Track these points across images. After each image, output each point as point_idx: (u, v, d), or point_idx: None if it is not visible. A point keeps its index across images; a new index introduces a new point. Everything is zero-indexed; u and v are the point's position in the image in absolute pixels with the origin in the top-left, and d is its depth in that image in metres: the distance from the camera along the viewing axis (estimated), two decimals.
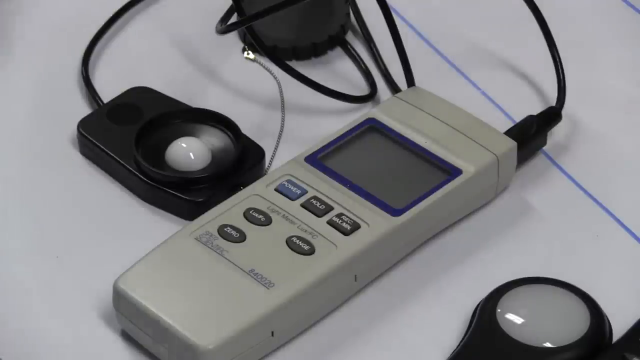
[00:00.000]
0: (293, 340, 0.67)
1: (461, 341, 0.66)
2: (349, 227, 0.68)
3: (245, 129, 0.75)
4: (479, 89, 0.79)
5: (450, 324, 0.67)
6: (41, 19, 0.83)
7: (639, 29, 0.83)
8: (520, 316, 0.66)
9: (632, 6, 0.84)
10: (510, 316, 0.66)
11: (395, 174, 0.72)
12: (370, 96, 0.79)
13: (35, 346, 0.67)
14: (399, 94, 0.76)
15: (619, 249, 0.71)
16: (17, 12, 0.83)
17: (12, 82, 0.80)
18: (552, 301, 0.67)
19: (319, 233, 0.68)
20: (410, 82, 0.77)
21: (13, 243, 0.72)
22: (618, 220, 0.73)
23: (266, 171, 0.74)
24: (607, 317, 0.66)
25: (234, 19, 0.80)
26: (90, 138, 0.75)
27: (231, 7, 0.80)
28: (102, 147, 0.74)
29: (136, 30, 0.82)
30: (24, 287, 0.70)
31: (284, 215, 0.69)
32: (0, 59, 0.81)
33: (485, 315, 0.66)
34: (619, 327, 0.66)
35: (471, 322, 0.67)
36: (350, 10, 0.82)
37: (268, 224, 0.68)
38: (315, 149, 0.72)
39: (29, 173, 0.75)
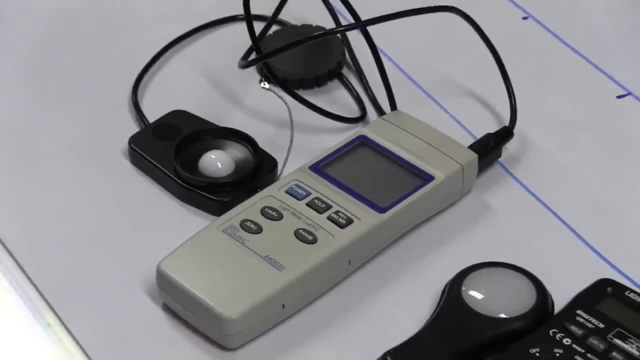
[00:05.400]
0: (299, 312, 0.67)
1: (433, 313, 0.66)
2: (344, 222, 0.68)
3: (262, 144, 0.75)
4: (447, 112, 0.79)
5: (424, 300, 0.67)
6: (101, 53, 0.83)
7: (575, 63, 0.82)
8: (481, 293, 0.66)
9: (569, 45, 0.84)
10: (472, 293, 0.66)
11: (381, 179, 0.71)
12: (361, 118, 0.79)
13: (93, 311, 0.67)
14: (384, 116, 0.76)
15: (559, 240, 0.71)
16: (82, 49, 0.83)
17: (77, 105, 0.79)
18: (505, 281, 0.67)
19: (320, 226, 0.68)
20: (393, 106, 0.77)
21: (77, 234, 0.71)
22: (559, 217, 0.73)
23: (278, 177, 0.74)
24: (550, 294, 0.66)
25: (253, 56, 0.80)
26: (139, 151, 0.75)
27: (251, 47, 0.80)
28: (148, 158, 0.74)
29: (175, 65, 0.82)
30: (85, 269, 0.69)
31: (292, 212, 0.69)
32: (65, 87, 0.80)
33: (452, 292, 0.66)
34: (560, 303, 0.66)
35: (441, 298, 0.67)
36: (345, 49, 0.82)
37: (280, 219, 0.68)
38: (317, 159, 0.72)
39: (90, 178, 0.75)
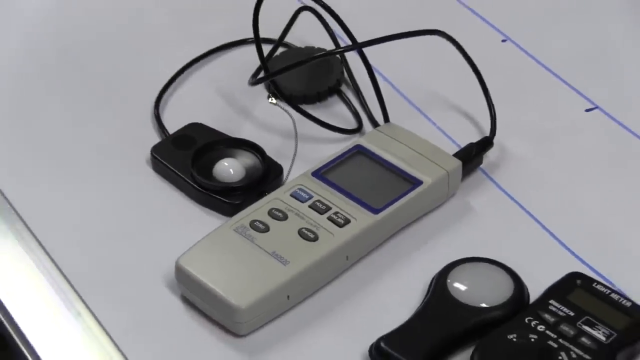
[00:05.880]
0: (302, 302, 0.67)
1: (422, 303, 0.66)
2: (342, 222, 0.68)
3: (269, 152, 0.75)
4: (434, 123, 0.79)
5: (414, 291, 0.67)
6: (127, 71, 0.83)
7: (548, 80, 0.82)
8: (464, 285, 0.66)
9: (542, 64, 0.84)
10: (456, 284, 0.66)
11: (375, 183, 0.71)
12: (358, 129, 0.79)
13: (119, 301, 0.67)
14: (378, 128, 0.76)
15: (534, 237, 0.71)
16: (111, 66, 0.83)
17: (106, 117, 0.79)
18: (486, 274, 0.67)
19: (321, 226, 0.68)
20: (386, 119, 0.77)
21: (106, 232, 0.72)
22: (533, 217, 0.72)
23: (284, 182, 0.74)
24: (525, 286, 0.66)
25: (261, 75, 0.80)
26: (160, 159, 0.75)
27: (260, 66, 0.80)
28: (168, 165, 0.74)
29: (192, 83, 0.82)
30: (112, 263, 0.70)
31: (296, 213, 0.69)
32: (96, 101, 0.80)
33: (439, 284, 0.66)
34: (534, 294, 0.66)
35: (429, 289, 0.67)
36: (344, 68, 0.82)
37: (285, 219, 0.68)
38: (319, 166, 0.72)
39: (117, 183, 0.75)
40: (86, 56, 0.84)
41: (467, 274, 0.67)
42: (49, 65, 0.83)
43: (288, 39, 0.83)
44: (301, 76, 0.80)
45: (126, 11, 0.88)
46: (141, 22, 0.87)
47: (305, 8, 0.80)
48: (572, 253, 0.70)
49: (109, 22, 0.87)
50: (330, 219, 0.68)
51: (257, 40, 0.78)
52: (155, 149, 0.75)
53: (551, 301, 0.65)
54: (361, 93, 0.80)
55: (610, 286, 0.66)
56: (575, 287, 0.66)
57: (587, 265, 0.69)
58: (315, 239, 0.67)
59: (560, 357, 0.61)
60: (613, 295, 0.65)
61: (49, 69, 0.83)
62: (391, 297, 0.68)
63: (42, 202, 0.73)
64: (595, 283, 0.66)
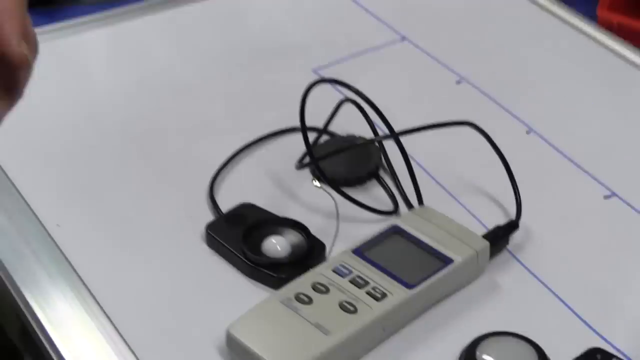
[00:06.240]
0: None
1: None
2: (379, 296, 0.68)
3: (313, 231, 0.74)
4: (464, 207, 0.78)
5: None
6: (186, 155, 0.83)
7: (569, 168, 0.82)
8: (492, 357, 0.65)
9: (563, 154, 0.83)
10: (485, 357, 0.65)
11: (410, 261, 0.71)
12: (394, 211, 0.78)
13: None
14: (413, 210, 0.76)
15: (557, 314, 0.70)
16: (172, 151, 0.84)
17: (167, 197, 0.79)
18: (512, 348, 0.66)
19: (360, 299, 0.67)
20: (420, 202, 0.76)
21: (164, 301, 0.71)
22: (556, 295, 0.72)
23: (326, 258, 0.74)
24: (549, 358, 0.65)
25: (307, 160, 0.80)
26: (214, 236, 0.75)
27: (305, 152, 0.80)
28: (221, 241, 0.74)
29: (244, 166, 0.82)
30: (169, 329, 0.69)
31: (337, 287, 0.68)
32: (158, 183, 0.81)
33: (468, 356, 0.66)
34: None
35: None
36: (382, 155, 0.82)
37: (327, 293, 0.68)
38: (359, 244, 0.72)
39: (174, 257, 0.75)
40: (151, 142, 0.85)
41: (495, 347, 0.66)
42: (118, 148, 0.84)
43: (331, 127, 0.83)
44: (343, 162, 0.80)
45: (188, 102, 0.89)
46: (201, 111, 0.88)
47: (347, 100, 0.81)
48: (593, 329, 0.69)
49: (173, 111, 0.88)
50: (368, 293, 0.68)
51: (304, 129, 0.78)
52: (210, 227, 0.75)
53: None
54: (397, 178, 0.80)
55: None
56: None
57: (606, 340, 0.68)
58: (355, 311, 0.67)
59: None
60: None
61: (119, 152, 0.84)
62: None
63: (105, 271, 0.73)
64: (614, 358, 0.65)
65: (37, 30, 0.56)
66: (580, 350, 0.66)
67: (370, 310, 0.67)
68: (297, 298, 0.67)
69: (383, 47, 0.94)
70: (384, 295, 0.68)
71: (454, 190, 0.80)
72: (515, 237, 0.76)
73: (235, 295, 0.71)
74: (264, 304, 0.68)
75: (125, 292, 0.72)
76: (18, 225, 0.75)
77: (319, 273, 0.70)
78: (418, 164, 0.81)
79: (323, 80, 0.79)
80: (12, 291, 0.71)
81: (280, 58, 0.92)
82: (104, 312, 0.70)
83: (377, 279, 0.69)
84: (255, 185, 0.80)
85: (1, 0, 0.58)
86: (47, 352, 0.68)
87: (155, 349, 0.68)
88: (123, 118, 0.87)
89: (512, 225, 0.75)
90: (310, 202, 0.79)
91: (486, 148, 0.77)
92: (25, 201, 0.77)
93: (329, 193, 0.79)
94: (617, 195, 0.80)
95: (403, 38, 0.95)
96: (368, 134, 0.82)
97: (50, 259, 0.73)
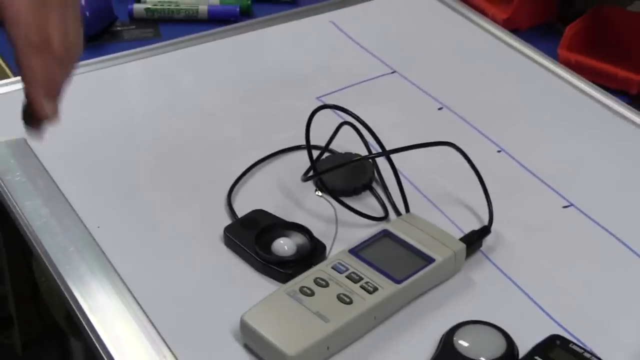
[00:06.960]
0: (339, 352, 0.66)
1: (433, 356, 0.65)
2: (371, 289, 0.68)
3: (316, 234, 0.74)
4: (445, 214, 0.78)
5: (427, 345, 0.66)
6: (207, 169, 0.83)
7: (532, 183, 0.82)
8: (467, 342, 0.65)
9: (528, 170, 0.83)
10: (461, 342, 0.65)
11: (398, 260, 0.71)
12: (385, 217, 0.78)
13: (196, 348, 0.66)
14: (400, 217, 0.76)
15: (523, 306, 0.70)
16: (196, 165, 0.83)
17: (190, 205, 0.79)
18: (484, 334, 0.66)
19: (355, 292, 0.67)
20: (407, 210, 0.76)
21: (187, 294, 0.71)
22: (522, 290, 0.71)
23: (327, 257, 0.73)
24: (516, 344, 0.65)
25: (311, 174, 0.80)
26: (231, 237, 0.74)
27: (310, 167, 0.80)
28: (237, 242, 0.74)
29: (257, 178, 0.82)
30: (192, 318, 0.69)
31: (336, 281, 0.68)
32: (181, 192, 0.80)
33: (447, 341, 0.65)
34: (522, 350, 0.65)
35: (439, 344, 0.66)
36: (375, 170, 0.82)
37: (327, 286, 0.68)
38: (354, 246, 0.72)
39: (196, 256, 0.74)
40: (178, 157, 0.84)
41: (470, 334, 0.66)
42: (151, 162, 0.84)
43: (332, 146, 0.83)
44: (341, 175, 0.80)
45: (210, 123, 0.88)
46: (221, 131, 0.87)
47: (345, 123, 0.81)
48: (553, 320, 0.69)
49: (197, 131, 0.87)
50: (362, 287, 0.68)
51: (308, 147, 0.78)
52: (227, 229, 0.75)
53: (536, 357, 0.64)
54: (388, 189, 0.80)
55: (583, 347, 0.65)
56: (555, 347, 0.64)
57: (565, 329, 0.68)
58: (350, 302, 0.67)
59: None
60: (586, 354, 0.64)
61: (151, 165, 0.83)
62: (409, 350, 0.67)
63: (139, 266, 0.73)
64: (572, 344, 0.65)
65: (85, 62, 0.56)
66: (542, 336, 0.66)
67: (363, 302, 0.67)
68: (301, 291, 0.67)
69: (377, 78, 0.94)
70: (375, 289, 0.68)
71: (436, 200, 0.80)
72: (488, 240, 0.75)
73: (249, 288, 0.71)
74: (273, 296, 0.67)
75: (155, 285, 0.72)
76: (64, 226, 0.75)
77: (320, 269, 0.69)
78: (405, 177, 0.81)
79: (325, 106, 0.79)
80: (59, 283, 0.71)
81: (289, 87, 0.92)
82: (137, 302, 0.70)
83: (370, 275, 0.69)
84: (267, 194, 0.80)
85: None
86: (88, 334, 0.68)
87: (180, 332, 0.67)
88: (155, 136, 0.87)
89: (485, 230, 0.75)
90: (313, 209, 0.79)
91: (463, 165, 0.77)
92: (71, 206, 0.77)
93: (329, 202, 0.79)
94: (574, 206, 0.79)
95: (394, 71, 0.95)
96: (363, 151, 0.82)
97: (92, 256, 0.73)
